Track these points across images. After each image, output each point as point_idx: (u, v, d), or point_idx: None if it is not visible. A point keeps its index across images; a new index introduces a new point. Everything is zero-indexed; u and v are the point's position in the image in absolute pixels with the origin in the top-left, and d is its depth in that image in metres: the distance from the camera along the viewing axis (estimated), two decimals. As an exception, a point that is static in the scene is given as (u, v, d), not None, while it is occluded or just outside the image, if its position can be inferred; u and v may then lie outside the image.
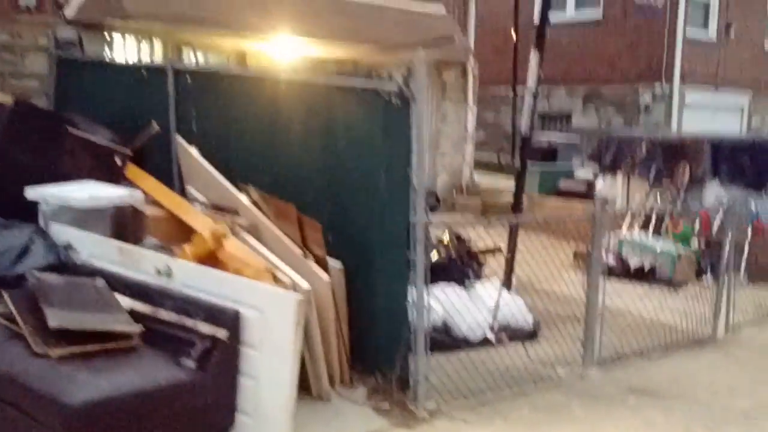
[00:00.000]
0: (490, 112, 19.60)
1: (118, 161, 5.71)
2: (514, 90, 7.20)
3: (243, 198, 5.21)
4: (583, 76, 17.47)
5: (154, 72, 6.82)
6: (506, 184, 13.06)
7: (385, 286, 4.77)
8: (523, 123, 6.77)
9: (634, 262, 8.66)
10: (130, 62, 7.46)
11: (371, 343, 4.90)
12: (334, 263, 4.87)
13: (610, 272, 8.58)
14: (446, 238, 7.67)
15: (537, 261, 6.44)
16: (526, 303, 6.41)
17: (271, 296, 3.91)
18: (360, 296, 4.88)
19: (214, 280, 4.13)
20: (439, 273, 6.43)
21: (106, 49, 9.32)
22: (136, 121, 6.69)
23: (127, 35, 9.58)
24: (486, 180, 14.17)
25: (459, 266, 6.61)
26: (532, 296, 6.94)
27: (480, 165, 16.67)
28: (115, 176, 5.69)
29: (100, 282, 4.27)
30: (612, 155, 10.24)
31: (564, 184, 11.44)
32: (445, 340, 5.68)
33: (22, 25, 8.71)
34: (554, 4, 17.95)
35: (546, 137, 12.76)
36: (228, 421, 4.03)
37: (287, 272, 4.46)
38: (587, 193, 11.14)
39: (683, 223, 9.13)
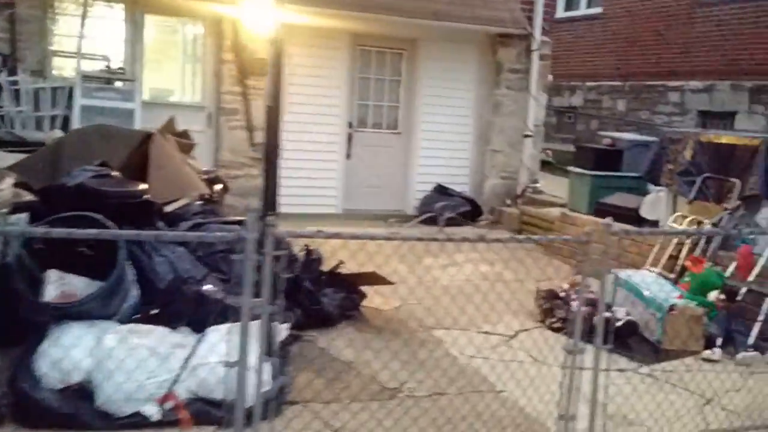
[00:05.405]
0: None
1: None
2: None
3: None
4: (751, 66, 13.75)
5: None
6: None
7: None
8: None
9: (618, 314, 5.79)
10: None
11: None
12: None
13: (561, 326, 5.85)
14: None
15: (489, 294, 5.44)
16: (280, 364, 4.16)
17: None
18: None
19: None
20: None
21: None
22: None
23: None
24: (559, 187, 11.33)
25: (209, 299, 4.49)
26: (384, 348, 4.71)
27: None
28: None
29: None
30: (650, 160, 7.25)
31: (610, 199, 8.36)
32: (63, 410, 3.68)
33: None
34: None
35: (611, 135, 9.59)
36: None
37: None
38: (638, 213, 8.08)
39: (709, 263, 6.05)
